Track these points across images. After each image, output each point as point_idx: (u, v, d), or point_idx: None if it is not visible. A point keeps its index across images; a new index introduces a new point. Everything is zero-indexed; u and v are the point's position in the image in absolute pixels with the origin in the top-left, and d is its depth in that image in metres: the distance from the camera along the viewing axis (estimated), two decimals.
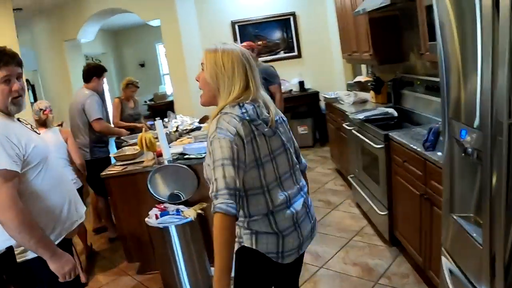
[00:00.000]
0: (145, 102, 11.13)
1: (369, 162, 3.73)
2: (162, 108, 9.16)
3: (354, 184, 4.24)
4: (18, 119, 2.08)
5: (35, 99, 9.88)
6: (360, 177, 4.10)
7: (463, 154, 1.65)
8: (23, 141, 1.87)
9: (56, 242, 1.99)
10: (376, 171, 3.50)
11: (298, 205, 1.81)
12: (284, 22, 7.21)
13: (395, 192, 3.22)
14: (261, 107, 1.77)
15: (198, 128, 4.72)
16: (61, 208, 2.07)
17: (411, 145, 2.77)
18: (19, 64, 1.98)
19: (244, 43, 4.49)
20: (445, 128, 1.79)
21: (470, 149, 1.58)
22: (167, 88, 11.18)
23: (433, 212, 2.54)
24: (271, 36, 7.28)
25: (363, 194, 3.90)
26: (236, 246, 1.78)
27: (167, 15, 6.74)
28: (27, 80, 9.90)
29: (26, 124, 2.12)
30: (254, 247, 1.73)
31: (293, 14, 7.18)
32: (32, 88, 9.31)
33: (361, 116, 3.86)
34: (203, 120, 5.22)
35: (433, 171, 2.48)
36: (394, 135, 3.10)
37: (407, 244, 3.12)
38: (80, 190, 4.42)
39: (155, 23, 7.23)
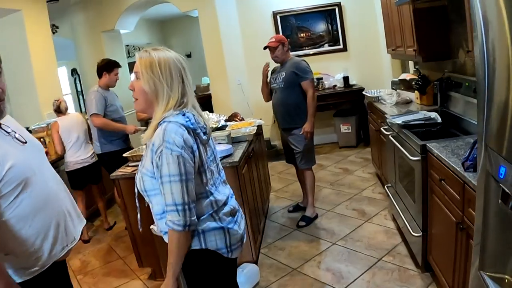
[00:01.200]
0: None
1: (405, 174, 3.30)
2: (203, 101, 8.97)
3: (391, 195, 3.80)
4: (2, 128, 1.72)
5: (82, 90, 9.94)
6: (397, 188, 3.66)
7: (500, 201, 1.23)
8: None
9: (41, 270, 1.71)
10: (412, 186, 3.07)
11: (233, 201, 1.92)
12: (329, 13, 6.74)
13: (432, 212, 2.77)
14: (197, 115, 1.76)
15: (224, 127, 4.41)
16: (45, 235, 1.71)
17: (450, 162, 2.33)
18: None
19: (273, 38, 4.14)
20: (480, 158, 1.37)
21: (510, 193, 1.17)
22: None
23: (469, 246, 2.11)
24: (315, 28, 6.84)
25: (399, 209, 3.47)
26: None
27: (204, 5, 6.48)
28: (74, 70, 9.98)
29: (8, 132, 1.73)
30: (203, 246, 1.74)
31: (338, 5, 6.70)
32: (79, 77, 9.36)
33: (399, 120, 3.42)
34: (231, 118, 4.93)
35: (472, 198, 2.03)
36: (433, 146, 2.65)
37: (440, 274, 2.69)
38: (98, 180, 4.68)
39: (195, 13, 6.99)
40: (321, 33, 6.87)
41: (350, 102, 6.72)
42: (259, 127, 4.65)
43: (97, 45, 7.32)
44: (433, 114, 3.43)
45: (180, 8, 6.79)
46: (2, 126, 1.72)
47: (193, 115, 1.72)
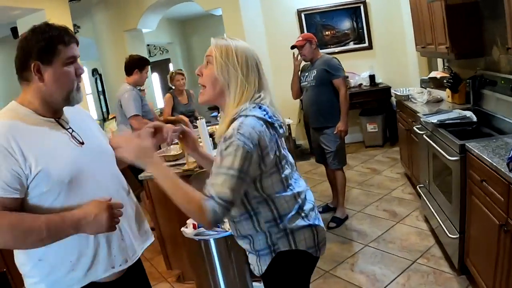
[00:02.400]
0: None
1: (441, 174, 3.22)
2: None
3: (423, 195, 3.73)
4: (57, 121, 1.59)
5: (103, 89, 10.02)
6: (430, 189, 3.58)
7: None
8: (31, 157, 1.42)
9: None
10: (448, 186, 2.99)
11: (311, 195, 1.80)
12: (354, 10, 6.66)
13: (470, 214, 2.70)
14: (275, 111, 1.63)
15: None
16: (82, 250, 1.55)
17: (492, 162, 2.26)
18: (77, 43, 1.61)
19: (300, 36, 4.09)
20: None
21: None
22: None
23: None
24: (340, 26, 6.77)
25: (432, 210, 3.39)
26: (269, 258, 1.66)
27: (228, 3, 6.45)
28: (95, 70, 10.08)
29: (65, 128, 1.60)
30: (293, 247, 1.65)
31: (363, 2, 6.62)
32: (100, 77, 9.41)
33: (434, 119, 3.34)
34: None
35: None
36: (473, 146, 2.57)
37: (479, 277, 2.61)
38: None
39: (219, 12, 6.98)
40: (346, 31, 6.79)
41: (376, 100, 6.61)
42: (288, 126, 4.60)
43: (119, 45, 7.34)
44: (468, 113, 3.34)
45: (204, 7, 6.78)
46: (61, 120, 1.61)
47: (270, 109, 1.59)
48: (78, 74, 1.58)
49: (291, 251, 1.65)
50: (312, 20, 6.78)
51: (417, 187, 3.99)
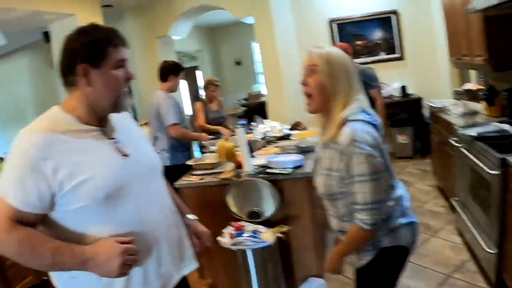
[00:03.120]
0: (239, 100, 11.06)
1: (478, 187, 3.18)
2: (255, 108, 9.00)
3: (458, 208, 3.69)
4: (102, 130, 1.51)
5: (132, 96, 10.17)
6: (466, 202, 3.53)
7: None
8: (63, 171, 1.34)
9: None
10: (487, 200, 2.96)
11: (407, 194, 1.89)
12: (386, 20, 6.64)
13: (510, 229, 2.67)
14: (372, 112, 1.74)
15: (288, 136, 4.39)
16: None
17: None
18: (128, 49, 1.55)
19: (337, 45, 4.09)
20: None
21: None
22: (262, 87, 11.03)
23: None
24: (371, 36, 6.76)
25: (468, 223, 3.35)
26: (373, 253, 1.78)
27: (260, 12, 6.49)
28: None
29: (111, 141, 1.52)
30: (395, 243, 1.75)
31: (395, 12, 6.59)
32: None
33: (472, 132, 3.30)
34: (295, 126, 4.88)
35: None
36: None
37: None
38: None
39: (249, 20, 7.03)
40: (377, 41, 6.78)
41: (407, 112, 6.59)
42: None
43: (150, 51, 7.43)
44: (506, 126, 3.30)
45: (235, 15, 6.84)
46: (106, 129, 1.53)
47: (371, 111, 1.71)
48: (127, 79, 1.50)
49: (393, 247, 1.75)
50: (344, 30, 6.79)
51: (451, 200, 3.94)
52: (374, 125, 1.67)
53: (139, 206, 1.50)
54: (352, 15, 6.73)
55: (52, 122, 1.43)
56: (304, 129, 4.80)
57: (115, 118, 1.59)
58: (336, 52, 1.71)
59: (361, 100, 1.71)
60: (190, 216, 1.91)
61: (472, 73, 5.20)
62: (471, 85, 4.68)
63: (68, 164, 1.36)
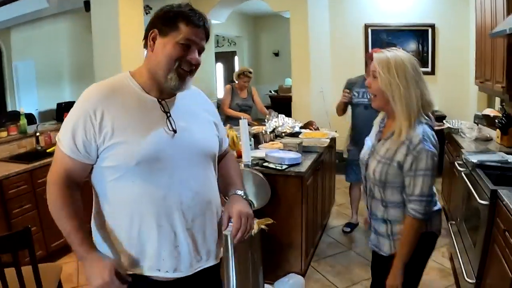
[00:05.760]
0: (270, 91, 11.09)
1: (472, 215, 3.16)
2: (283, 102, 9.01)
3: (452, 233, 3.66)
4: (159, 101, 1.54)
5: None
6: (460, 227, 3.51)
7: None
8: (110, 128, 1.44)
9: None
10: (476, 229, 2.94)
11: None
12: (421, 33, 6.53)
13: (489, 262, 2.65)
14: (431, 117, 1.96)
15: (298, 134, 4.43)
16: (130, 242, 1.53)
17: None
18: (206, 36, 1.55)
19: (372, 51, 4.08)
20: None
21: None
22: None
23: None
24: (405, 47, 6.62)
25: (457, 250, 3.34)
26: None
27: (296, 8, 6.51)
28: None
29: (164, 111, 1.54)
30: (429, 229, 1.98)
31: (432, 26, 6.47)
32: None
33: (474, 159, 3.28)
34: (306, 125, 4.91)
35: None
36: (504, 194, 2.53)
37: None
38: None
39: (287, 14, 7.04)
40: (410, 53, 6.65)
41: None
42: (333, 139, 4.61)
43: None
44: (511, 158, 3.26)
45: (273, 7, 6.87)
46: (163, 102, 1.55)
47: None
48: (189, 61, 1.49)
49: (424, 233, 1.95)
50: (378, 37, 6.71)
51: (449, 223, 3.92)
52: (432, 129, 1.92)
53: (170, 184, 1.50)
54: (389, 23, 6.64)
55: (116, 83, 1.53)
56: (317, 129, 4.82)
57: (184, 94, 1.60)
58: (398, 57, 1.87)
59: (425, 105, 1.90)
60: (239, 192, 1.72)
61: (497, 100, 5.09)
62: (490, 111, 4.60)
63: (116, 122, 1.44)
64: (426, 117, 1.91)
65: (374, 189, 2.03)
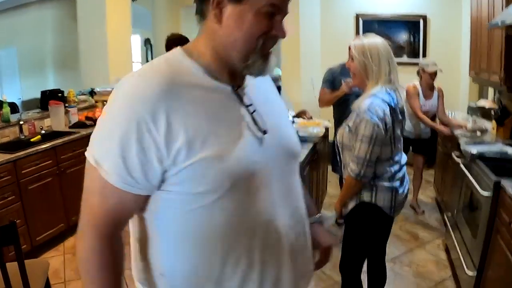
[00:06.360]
0: None
1: (470, 206, 3.11)
2: None
3: (449, 225, 3.61)
4: (235, 91, 1.09)
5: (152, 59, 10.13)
6: (457, 219, 3.46)
7: None
8: (182, 139, 0.96)
9: None
10: (476, 220, 2.89)
11: (405, 169, 2.34)
12: (413, 24, 6.45)
13: (492, 254, 2.60)
14: (399, 96, 2.20)
15: (291, 123, 4.33)
16: (224, 284, 1.06)
17: None
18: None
19: None
20: None
21: None
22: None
23: None
24: (396, 37, 6.56)
25: (455, 241, 3.29)
26: (354, 202, 2.26)
27: None
28: (147, 40, 10.17)
29: (246, 106, 1.09)
30: (373, 201, 2.20)
31: (424, 17, 6.40)
32: (151, 48, 9.50)
33: (474, 149, 3.21)
34: (299, 114, 4.82)
35: None
36: (508, 185, 2.47)
37: None
38: None
39: None
40: (401, 44, 6.61)
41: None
42: (326, 129, 4.53)
43: (174, 20, 7.36)
44: (510, 149, 3.21)
45: None
46: (240, 90, 1.10)
47: (395, 94, 2.17)
48: (274, 35, 1.03)
49: (370, 204, 2.21)
50: (369, 27, 6.59)
51: (444, 214, 3.87)
52: (391, 106, 2.11)
53: (270, 205, 1.09)
54: (381, 12, 6.54)
55: (174, 69, 1.03)
56: (310, 118, 4.73)
57: (253, 79, 1.14)
58: (372, 43, 2.13)
59: (393, 81, 2.15)
60: (317, 218, 1.41)
61: (490, 91, 5.05)
62: (485, 102, 4.56)
63: (187, 131, 0.96)
64: (390, 95, 2.14)
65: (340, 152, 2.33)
